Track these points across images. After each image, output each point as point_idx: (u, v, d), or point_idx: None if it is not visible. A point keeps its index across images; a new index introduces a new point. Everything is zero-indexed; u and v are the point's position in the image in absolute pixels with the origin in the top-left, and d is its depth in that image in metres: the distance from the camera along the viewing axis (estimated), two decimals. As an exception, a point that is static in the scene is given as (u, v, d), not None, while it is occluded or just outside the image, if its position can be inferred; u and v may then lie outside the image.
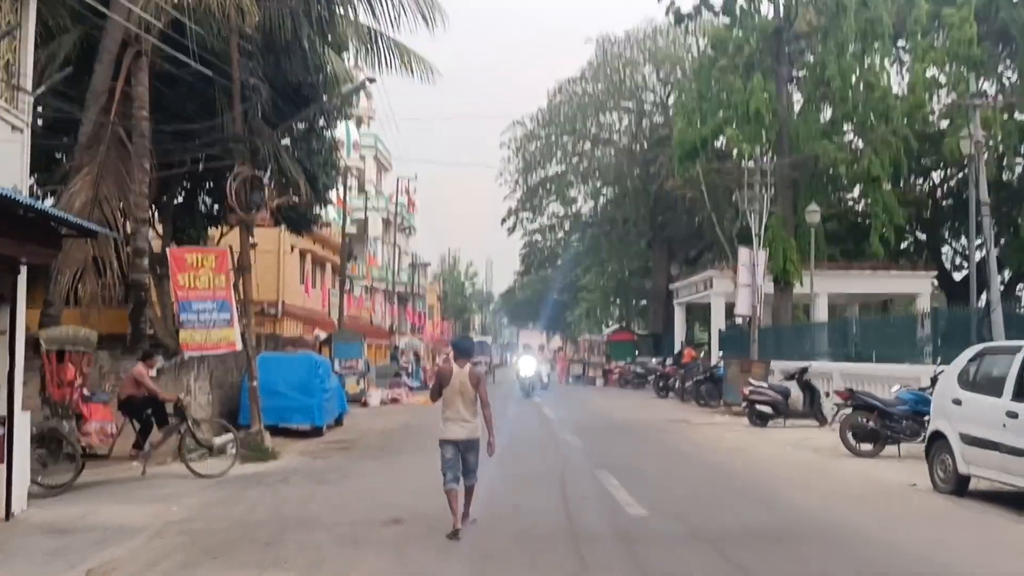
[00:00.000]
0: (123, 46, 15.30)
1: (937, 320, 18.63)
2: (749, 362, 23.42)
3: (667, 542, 8.00)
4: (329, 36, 19.11)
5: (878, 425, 14.00)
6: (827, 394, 19.89)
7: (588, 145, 49.02)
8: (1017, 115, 27.72)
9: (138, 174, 15.10)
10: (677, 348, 35.74)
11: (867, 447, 14.08)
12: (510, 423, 18.83)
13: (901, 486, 11.10)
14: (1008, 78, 31.44)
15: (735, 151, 28.47)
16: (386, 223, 57.78)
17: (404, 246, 60.30)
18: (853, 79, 26.74)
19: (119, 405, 12.72)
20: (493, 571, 7.22)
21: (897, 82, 30.17)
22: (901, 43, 30.07)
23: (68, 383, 11.91)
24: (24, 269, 9.55)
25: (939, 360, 14.97)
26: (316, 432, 17.86)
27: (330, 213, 34.35)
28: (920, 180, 36.71)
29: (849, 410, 14.49)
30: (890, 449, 14.04)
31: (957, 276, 38.66)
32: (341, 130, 34.46)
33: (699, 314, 43.29)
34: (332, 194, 28.16)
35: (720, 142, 33.33)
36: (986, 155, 26.06)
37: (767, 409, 19.16)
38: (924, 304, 31.42)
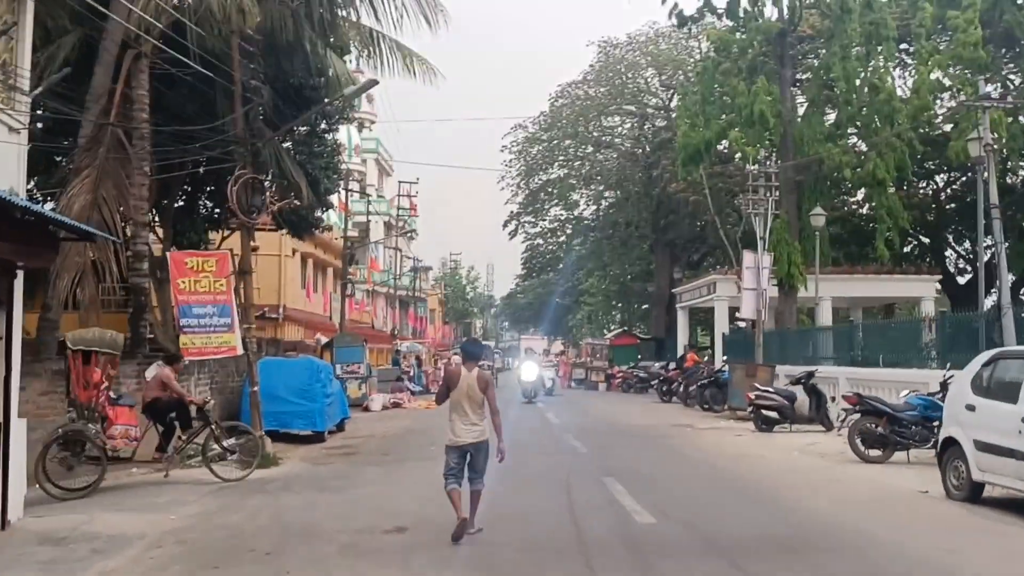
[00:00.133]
0: (123, 48, 15.19)
1: (944, 324, 18.41)
2: (754, 366, 23.23)
3: (678, 551, 7.82)
4: (331, 38, 19.01)
5: (887, 431, 13.80)
6: (833, 399, 19.73)
7: (590, 149, 48.89)
8: (1021, 118, 27.53)
9: (138, 177, 14.99)
10: (680, 352, 35.52)
11: (876, 453, 13.88)
12: (513, 428, 18.48)
13: (913, 493, 10.91)
14: (1012, 81, 31.27)
15: (739, 154, 28.27)
16: (387, 227, 57.68)
17: (405, 250, 60.15)
18: (857, 82, 26.55)
19: (144, 408, 12.70)
20: (500, 582, 7.05)
21: (901, 85, 30.01)
22: (905, 46, 29.93)
23: (94, 385, 11.84)
24: (21, 273, 9.37)
25: (948, 365, 14.76)
26: (318, 437, 17.70)
27: (331, 217, 34.24)
28: (923, 184, 36.57)
29: (857, 415, 14.29)
30: (898, 455, 13.84)
31: (961, 280, 38.55)
32: (343, 134, 34.34)
33: (702, 318, 43.11)
34: (334, 198, 28.06)
35: (723, 145, 33.25)
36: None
37: (773, 414, 18.97)
38: (928, 308, 31.24)
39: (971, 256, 39.65)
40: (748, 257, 25.07)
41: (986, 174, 18.77)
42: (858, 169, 27.02)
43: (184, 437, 12.68)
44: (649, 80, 46.41)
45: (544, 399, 29.40)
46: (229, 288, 15.09)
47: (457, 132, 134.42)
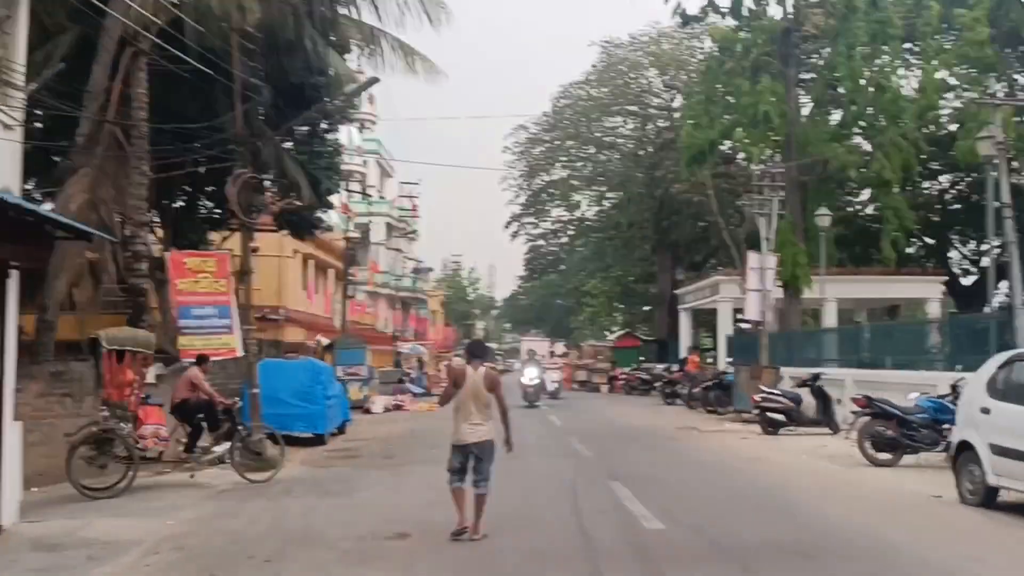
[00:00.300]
0: (121, 45, 14.96)
1: (953, 326, 18.20)
2: (759, 368, 23.02)
3: (689, 559, 7.60)
4: (332, 36, 18.80)
5: (897, 434, 13.58)
6: (839, 401, 19.53)
7: (592, 149, 48.69)
8: (1027, 118, 27.32)
9: (136, 176, 14.76)
10: (683, 354, 35.31)
11: (885, 456, 13.67)
12: (515, 431, 18.25)
13: (925, 497, 10.69)
14: (1017, 81, 31.06)
15: (743, 154, 28.07)
16: (389, 228, 57.50)
17: (407, 251, 59.96)
18: (863, 81, 26.34)
19: (172, 408, 12.66)
20: (506, 591, 6.84)
21: (905, 85, 29.77)
22: (909, 45, 29.70)
23: (127, 384, 11.79)
24: (15, 273, 9.17)
25: (959, 367, 14.54)
26: (319, 440, 17.48)
27: (332, 218, 34.04)
28: (928, 184, 36.37)
29: (867, 418, 14.07)
30: (908, 459, 13.63)
31: (965, 281, 38.34)
32: (343, 134, 34.16)
33: (704, 319, 42.90)
34: (335, 198, 27.89)
35: (727, 146, 33.06)
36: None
37: (779, 416, 18.77)
38: (934, 309, 31.05)
39: (975, 257, 39.52)
40: (753, 258, 24.87)
41: (995, 173, 18.56)
42: (863, 169, 26.85)
43: (212, 438, 12.67)
44: (652, 80, 46.19)
45: (549, 402, 29.04)
46: (229, 289, 14.92)
47: (458, 132, 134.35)
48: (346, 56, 20.59)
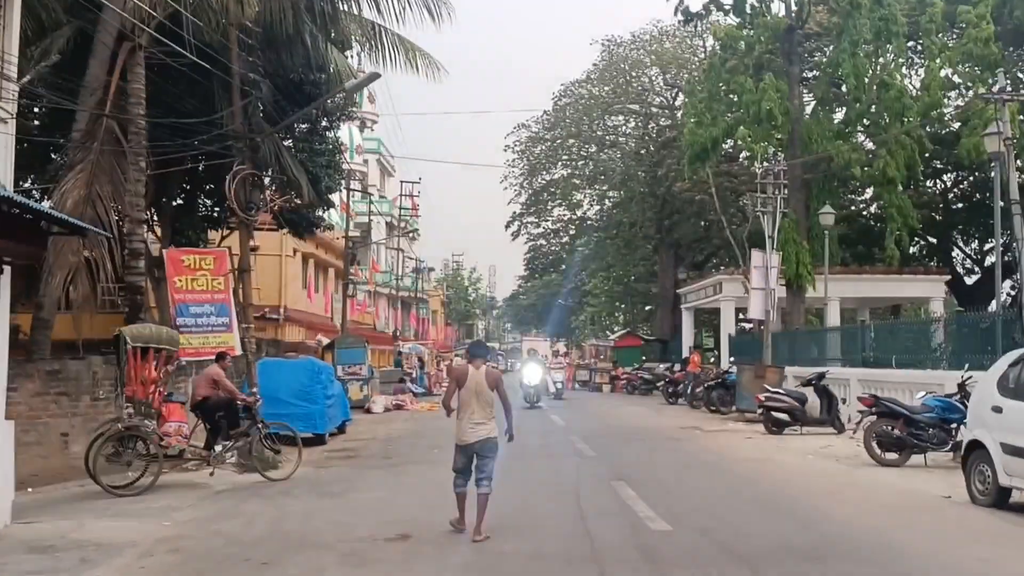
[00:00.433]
0: (119, 40, 14.81)
1: (959, 324, 18.01)
2: (763, 367, 22.82)
3: (697, 561, 7.40)
4: (332, 32, 18.64)
5: (904, 433, 13.38)
6: (844, 400, 19.36)
7: (594, 148, 48.48)
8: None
9: (133, 173, 14.58)
10: (685, 354, 35.11)
11: (892, 456, 13.47)
12: (517, 430, 18.16)
13: (935, 498, 10.49)
14: (1021, 79, 30.85)
15: (746, 152, 27.85)
16: (389, 227, 57.32)
17: (408, 251, 59.78)
18: (867, 79, 26.14)
19: (193, 406, 12.69)
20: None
21: (909, 82, 29.58)
22: (912, 44, 29.49)
23: (151, 381, 11.79)
24: (7, 269, 8.99)
25: (966, 366, 14.35)
26: (319, 440, 17.29)
27: (332, 216, 33.88)
28: (931, 183, 36.17)
29: (873, 418, 13.87)
30: (915, 458, 13.42)
31: (968, 280, 38.13)
32: (344, 133, 34.04)
33: (706, 319, 42.71)
34: (335, 197, 27.72)
35: (729, 144, 32.86)
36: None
37: (784, 416, 18.56)
38: (937, 308, 30.85)
39: (978, 256, 39.32)
40: (756, 256, 24.69)
41: (994, 168, 18.36)
42: (867, 168, 26.63)
43: (232, 435, 12.68)
44: (653, 79, 46.03)
45: (552, 403, 28.58)
46: (227, 287, 14.75)
47: (459, 133, 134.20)
48: (346, 53, 20.44)
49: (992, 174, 31.64)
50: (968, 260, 39.59)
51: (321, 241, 35.82)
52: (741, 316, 35.10)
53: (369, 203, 47.26)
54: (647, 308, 56.24)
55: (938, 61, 25.97)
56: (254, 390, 14.78)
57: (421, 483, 11.79)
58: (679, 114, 42.77)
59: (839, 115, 29.03)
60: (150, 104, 15.24)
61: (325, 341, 31.13)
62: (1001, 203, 19.00)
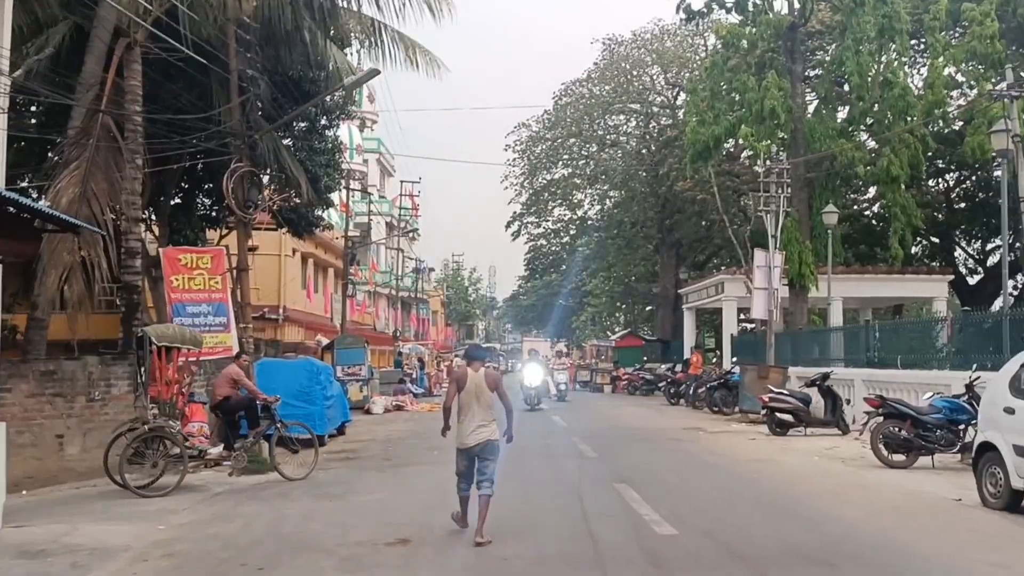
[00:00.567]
0: (115, 36, 14.64)
1: (966, 323, 17.82)
2: (766, 368, 22.63)
3: (704, 566, 7.22)
4: (331, 29, 18.46)
5: (911, 434, 13.18)
6: (848, 401, 19.18)
7: (595, 147, 48.30)
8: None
9: (130, 170, 14.40)
10: (686, 354, 34.91)
11: (899, 458, 13.27)
12: (518, 431, 17.89)
13: (945, 501, 10.29)
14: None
15: (749, 151, 27.64)
16: (389, 227, 57.14)
17: (408, 251, 59.60)
18: (870, 76, 25.94)
19: (214, 405, 12.70)
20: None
21: (912, 80, 29.41)
22: (914, 42, 29.30)
23: (174, 382, 11.77)
24: (-1, 267, 8.82)
25: (974, 367, 14.16)
26: (318, 441, 17.07)
27: (332, 216, 33.71)
28: (934, 182, 35.97)
29: (880, 419, 13.68)
30: (922, 460, 13.22)
31: (971, 280, 37.93)
32: (344, 133, 33.84)
33: (707, 319, 42.53)
34: (335, 197, 27.54)
35: (731, 144, 32.66)
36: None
37: (788, 417, 18.35)
38: (940, 308, 30.65)
39: (981, 256, 39.14)
40: (759, 256, 24.50)
41: (1001, 165, 18.17)
42: (870, 166, 26.43)
43: (252, 435, 12.71)
44: (654, 78, 45.86)
45: (554, 405, 28.11)
46: (225, 286, 14.56)
47: (460, 131, 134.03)
48: (346, 50, 20.25)
49: (999, 172, 31.76)
50: (970, 260, 39.40)
51: (321, 241, 35.64)
52: (742, 316, 34.93)
53: (369, 203, 47.09)
54: (648, 308, 56.06)
55: (941, 59, 25.74)
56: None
57: (421, 485, 11.61)
58: (680, 113, 42.58)
59: (842, 113, 28.81)
60: (147, 101, 15.07)
61: (324, 341, 30.95)
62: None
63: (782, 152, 27.60)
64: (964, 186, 36.61)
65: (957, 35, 28.41)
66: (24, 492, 11.53)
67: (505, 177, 50.89)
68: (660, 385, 33.79)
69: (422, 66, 18.98)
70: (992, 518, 9.28)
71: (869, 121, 27.36)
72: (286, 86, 18.11)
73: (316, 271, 38.97)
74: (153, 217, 21.05)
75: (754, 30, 27.41)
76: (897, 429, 13.29)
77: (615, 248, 49.10)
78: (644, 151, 45.59)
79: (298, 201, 20.77)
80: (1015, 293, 34.48)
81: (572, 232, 54.82)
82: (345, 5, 18.49)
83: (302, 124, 20.89)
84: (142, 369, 11.74)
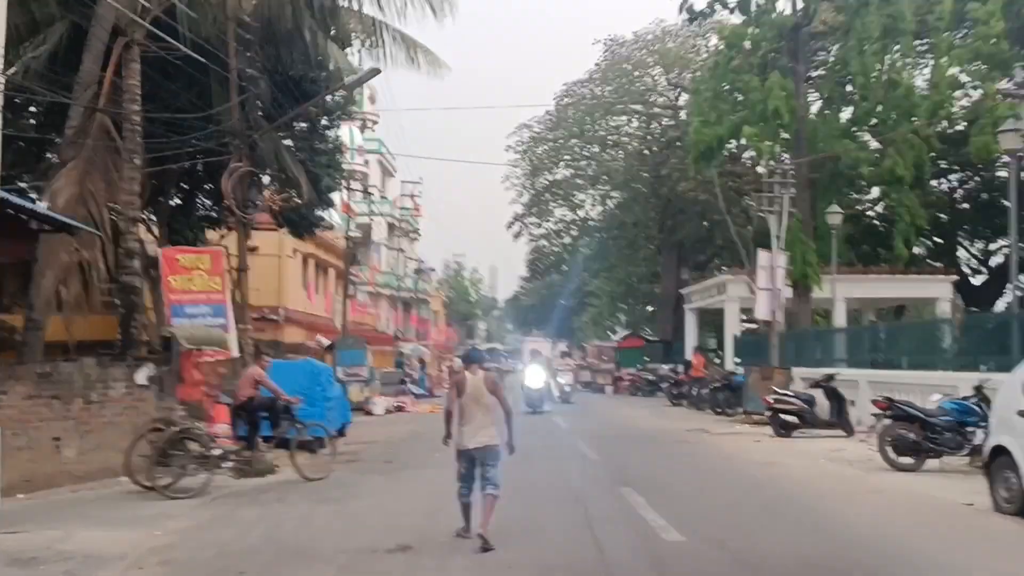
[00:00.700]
0: (114, 35, 14.46)
1: (974, 324, 17.64)
2: (770, 369, 22.47)
3: (714, 575, 7.03)
4: (332, 28, 18.28)
5: (920, 437, 13.01)
6: (852, 402, 19.01)
7: (596, 148, 48.11)
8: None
9: (128, 170, 14.22)
10: (688, 355, 34.71)
11: (907, 461, 13.09)
12: (519, 432, 17.74)
13: (957, 506, 10.11)
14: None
15: (752, 152, 27.46)
16: (390, 227, 56.99)
17: (408, 251, 59.44)
18: (874, 76, 25.77)
19: (238, 407, 12.64)
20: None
21: (916, 80, 29.17)
22: (918, 42, 29.09)
23: (200, 383, 11.89)
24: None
25: (983, 368, 13.98)
26: (318, 443, 16.89)
27: (333, 217, 33.54)
28: (937, 183, 35.77)
29: (888, 421, 13.50)
30: (930, 463, 13.04)
31: (975, 281, 37.74)
32: (345, 133, 33.67)
33: (708, 319, 42.33)
34: (335, 197, 27.39)
35: (733, 144, 32.45)
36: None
37: (792, 418, 18.20)
38: (944, 309, 30.46)
39: (984, 257, 38.96)
40: (763, 256, 24.34)
41: (1010, 165, 18.00)
42: (875, 167, 26.24)
43: (275, 435, 12.76)
44: (656, 79, 45.66)
45: (557, 407, 27.50)
46: (224, 287, 14.40)
47: (461, 132, 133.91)
48: (347, 50, 20.09)
49: (1003, 172, 31.56)
50: (974, 260, 39.21)
51: (321, 241, 35.47)
52: (743, 317, 34.74)
53: (370, 203, 46.93)
54: (650, 309, 55.88)
55: (946, 59, 25.56)
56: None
57: (422, 488, 11.45)
58: (682, 114, 42.45)
59: (845, 114, 28.63)
60: (146, 101, 14.90)
61: (325, 342, 30.78)
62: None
63: (785, 153, 27.40)
64: (967, 186, 36.43)
65: (961, 35, 28.21)
66: (20, 496, 11.35)
67: (507, 177, 50.84)
68: (662, 386, 33.66)
69: (423, 65, 18.82)
70: (1006, 524, 9.10)
71: (873, 121, 27.20)
72: (286, 86, 17.95)
73: (317, 272, 38.81)
74: (152, 218, 20.89)
75: (757, 30, 27.27)
76: (905, 432, 13.13)
77: (617, 249, 48.94)
78: (646, 152, 45.43)
79: (299, 201, 20.64)
80: (1021, 294, 34.27)
81: (573, 233, 54.68)
82: (346, 4, 18.33)
83: (303, 124, 20.75)
84: (167, 370, 11.71)
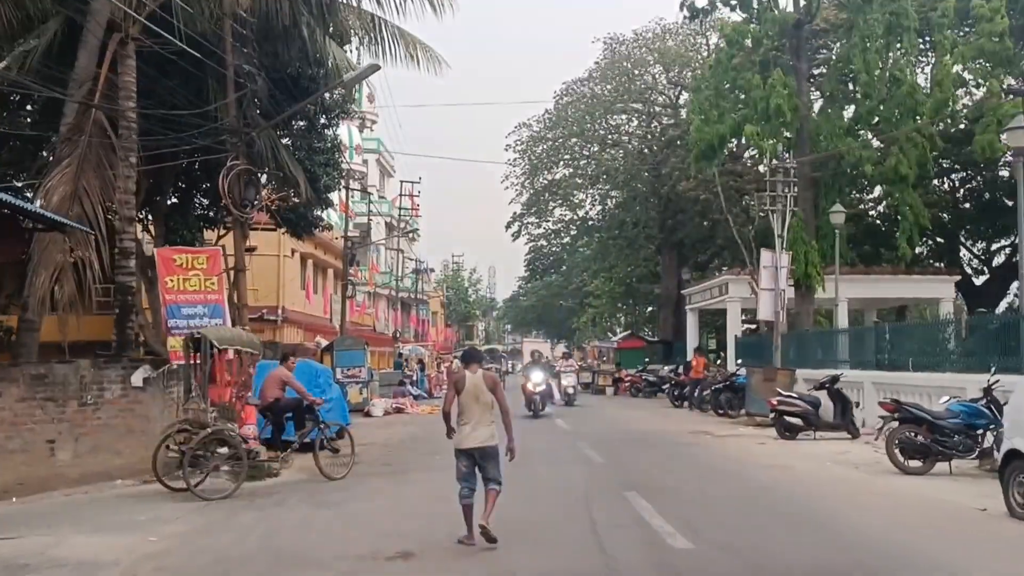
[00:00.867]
0: (109, 31, 14.22)
1: (983, 324, 17.44)
2: (774, 370, 22.24)
3: (725, 584, 6.83)
4: (330, 25, 18.07)
5: (928, 440, 12.80)
6: (857, 404, 18.81)
7: (596, 147, 47.89)
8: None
9: (124, 168, 13.97)
10: (689, 356, 34.44)
11: (916, 464, 12.87)
12: (520, 434, 17.49)
13: (970, 510, 9.88)
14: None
15: (753, 151, 27.26)
16: (389, 228, 56.79)
17: (407, 251, 59.23)
18: (877, 73, 25.58)
19: (264, 408, 12.71)
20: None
21: (924, 78, 29.01)
22: (920, 41, 28.92)
23: (230, 384, 11.80)
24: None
25: (992, 369, 13.77)
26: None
27: (332, 217, 33.34)
28: (939, 182, 35.60)
29: (895, 423, 13.28)
30: (939, 466, 12.82)
31: (977, 281, 37.54)
32: (343, 132, 33.49)
33: (710, 320, 42.12)
34: (334, 197, 27.17)
35: (734, 144, 32.25)
36: (1011, 156, 24.95)
37: (797, 420, 17.97)
38: (947, 309, 30.25)
39: (986, 257, 38.77)
40: (766, 256, 24.13)
41: (1016, 164, 17.75)
42: (878, 165, 26.04)
43: (297, 436, 12.82)
44: (656, 77, 45.46)
45: (560, 409, 26.82)
46: (221, 287, 14.17)
47: (460, 132, 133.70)
48: (345, 47, 19.87)
49: (1005, 172, 31.37)
50: (975, 260, 39.02)
51: (320, 241, 35.29)
52: (744, 317, 34.53)
53: (368, 203, 46.72)
54: (650, 309, 55.66)
55: (949, 57, 25.36)
56: (249, 393, 14.34)
57: (423, 492, 11.24)
58: (683, 113, 42.24)
59: (848, 112, 28.43)
60: (142, 98, 14.67)
61: (324, 343, 30.56)
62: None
63: (788, 151, 27.21)
64: (970, 186, 36.26)
65: (964, 32, 28.04)
66: (14, 499, 11.17)
67: (506, 177, 50.58)
68: (664, 387, 33.42)
69: (423, 62, 18.60)
70: (1022, 529, 8.88)
71: (876, 120, 26.98)
72: (284, 83, 17.74)
73: (315, 272, 38.62)
74: (149, 217, 20.68)
75: (759, 28, 27.06)
76: (913, 434, 12.90)
77: (616, 248, 48.66)
78: (646, 151, 45.21)
79: (297, 201, 20.43)
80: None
81: (573, 233, 54.44)
82: (344, 0, 18.11)
83: (301, 123, 20.55)
84: (197, 371, 11.69)
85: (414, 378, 37.30)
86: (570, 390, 29.26)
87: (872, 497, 10.93)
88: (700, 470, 13.52)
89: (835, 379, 18.55)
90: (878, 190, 32.57)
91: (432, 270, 72.55)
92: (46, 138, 16.49)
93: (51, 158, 15.09)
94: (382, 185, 59.47)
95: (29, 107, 19.43)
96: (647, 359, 41.60)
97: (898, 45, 25.86)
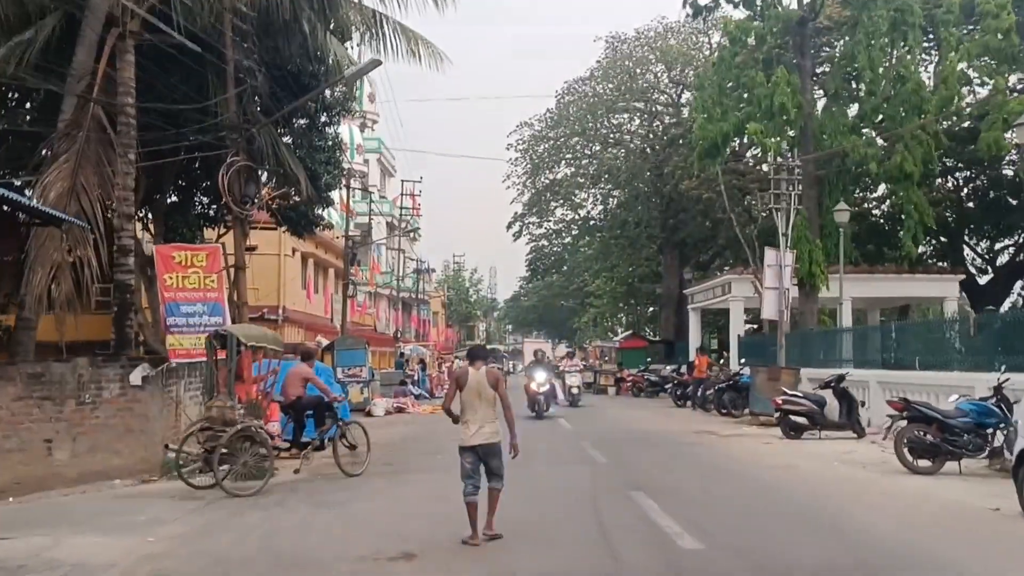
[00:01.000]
0: (107, 26, 14.07)
1: (992, 322, 17.26)
2: (778, 370, 22.06)
3: (737, 586, 6.66)
4: (331, 20, 17.90)
5: (938, 439, 12.62)
6: (863, 403, 18.63)
7: (598, 147, 47.70)
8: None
9: (122, 165, 13.81)
10: (692, 355, 34.25)
11: (925, 463, 12.70)
12: (523, 435, 17.28)
13: (982, 511, 9.69)
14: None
15: (756, 149, 27.07)
16: (390, 227, 56.65)
17: (409, 251, 59.08)
18: (882, 71, 25.40)
19: (287, 405, 12.74)
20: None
21: (927, 76, 28.84)
22: (927, 37, 28.76)
23: (257, 381, 11.89)
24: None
25: (1003, 368, 13.60)
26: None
27: (332, 216, 33.17)
28: (943, 180, 35.42)
29: (904, 422, 13.11)
30: (948, 466, 12.64)
31: (981, 280, 37.38)
32: (344, 132, 33.31)
33: (712, 319, 41.93)
34: (335, 195, 27.00)
35: (737, 142, 32.07)
36: (1015, 154, 24.82)
37: (802, 420, 17.78)
38: (951, 308, 30.08)
39: (990, 256, 38.61)
40: (770, 254, 23.96)
41: (1008, 165, 17.62)
42: (883, 163, 25.86)
43: (318, 433, 12.87)
44: (659, 76, 45.28)
45: (564, 410, 26.18)
46: (221, 285, 14.01)
47: (461, 131, 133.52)
48: (346, 44, 19.71)
49: (1010, 171, 31.20)
50: (979, 259, 38.87)
51: (321, 241, 35.13)
52: (746, 317, 34.32)
53: (369, 203, 46.56)
54: (652, 309, 55.48)
55: (955, 54, 25.18)
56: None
57: (425, 493, 11.07)
58: (685, 112, 42.08)
59: (852, 110, 28.25)
60: (141, 94, 14.51)
61: (325, 342, 30.39)
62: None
63: (792, 149, 27.02)
64: (973, 184, 36.09)
65: (969, 29, 27.86)
66: (11, 499, 11.03)
67: (507, 176, 50.40)
68: (666, 387, 33.24)
69: (424, 58, 18.43)
70: (1036, 530, 8.72)
71: (880, 117, 26.79)
72: (284, 80, 17.58)
73: (316, 271, 38.46)
74: (149, 216, 20.51)
75: (762, 25, 26.87)
76: (923, 433, 12.73)
77: (618, 248, 48.47)
78: (648, 150, 45.03)
79: (297, 199, 20.26)
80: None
81: (574, 232, 54.25)
82: (345, -4, 17.97)
83: (302, 121, 20.38)
84: (223, 368, 11.68)
85: (415, 378, 37.15)
86: (575, 390, 28.83)
87: (880, 497, 10.76)
88: (705, 470, 13.36)
89: (841, 378, 18.38)
90: (882, 188, 32.41)
91: (433, 270, 72.39)
92: (44, 135, 16.32)
93: (47, 153, 14.93)
94: (383, 185, 59.32)
95: (27, 104, 19.27)
96: (649, 359, 41.44)
97: (903, 42, 25.66)
